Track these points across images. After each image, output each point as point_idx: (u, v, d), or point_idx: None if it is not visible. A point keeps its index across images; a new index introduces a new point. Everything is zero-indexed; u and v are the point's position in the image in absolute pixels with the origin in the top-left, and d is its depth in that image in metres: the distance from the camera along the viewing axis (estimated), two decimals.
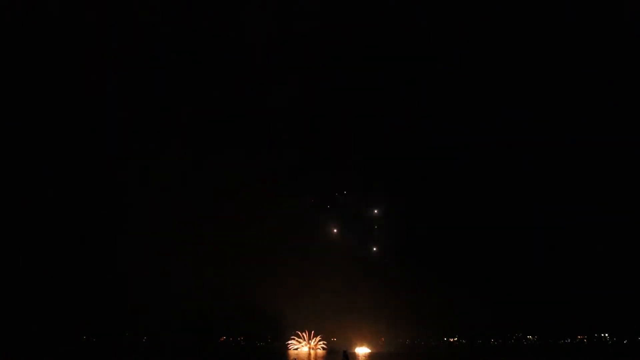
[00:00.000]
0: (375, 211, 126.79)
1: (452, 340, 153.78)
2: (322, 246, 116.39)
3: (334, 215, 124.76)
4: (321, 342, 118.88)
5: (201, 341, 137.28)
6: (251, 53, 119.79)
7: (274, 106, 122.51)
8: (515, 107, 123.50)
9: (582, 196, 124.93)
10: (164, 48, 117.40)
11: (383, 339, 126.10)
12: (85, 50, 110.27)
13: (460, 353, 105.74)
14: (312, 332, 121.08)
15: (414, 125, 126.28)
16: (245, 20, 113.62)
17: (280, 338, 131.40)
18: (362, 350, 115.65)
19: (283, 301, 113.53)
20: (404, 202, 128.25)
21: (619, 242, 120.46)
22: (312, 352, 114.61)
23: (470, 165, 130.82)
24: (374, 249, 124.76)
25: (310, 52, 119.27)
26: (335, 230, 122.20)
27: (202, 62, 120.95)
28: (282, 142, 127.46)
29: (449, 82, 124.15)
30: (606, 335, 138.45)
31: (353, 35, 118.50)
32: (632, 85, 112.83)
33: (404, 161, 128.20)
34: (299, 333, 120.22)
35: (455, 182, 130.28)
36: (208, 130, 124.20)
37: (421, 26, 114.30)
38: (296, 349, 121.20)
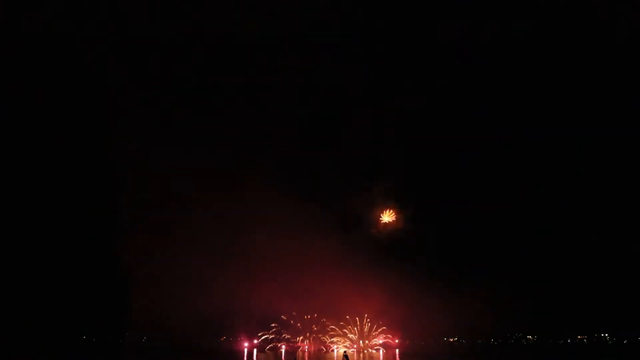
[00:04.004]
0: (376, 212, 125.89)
1: (452, 340, 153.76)
2: (322, 249, 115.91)
3: (336, 217, 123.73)
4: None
5: (201, 341, 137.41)
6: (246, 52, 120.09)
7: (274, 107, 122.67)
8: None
9: (582, 197, 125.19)
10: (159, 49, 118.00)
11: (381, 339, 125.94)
12: (83, 51, 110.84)
13: (460, 353, 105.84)
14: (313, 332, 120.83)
15: (417, 123, 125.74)
16: (239, 20, 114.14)
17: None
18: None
19: (283, 302, 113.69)
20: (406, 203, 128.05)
21: (619, 242, 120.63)
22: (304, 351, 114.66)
23: (470, 167, 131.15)
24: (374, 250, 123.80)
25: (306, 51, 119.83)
26: (335, 233, 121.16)
27: (201, 59, 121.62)
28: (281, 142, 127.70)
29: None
30: (606, 335, 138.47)
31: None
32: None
33: (408, 162, 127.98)
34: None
35: (455, 183, 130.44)
36: (205, 132, 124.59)
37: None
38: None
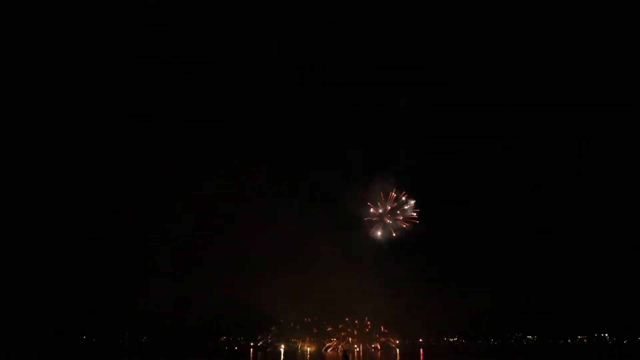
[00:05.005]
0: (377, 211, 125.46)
1: (452, 340, 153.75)
2: (322, 249, 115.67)
3: (335, 218, 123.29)
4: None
5: (201, 341, 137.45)
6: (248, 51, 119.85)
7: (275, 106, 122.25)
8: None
9: (582, 197, 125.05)
10: (158, 45, 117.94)
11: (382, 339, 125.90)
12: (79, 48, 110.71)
13: (460, 353, 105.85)
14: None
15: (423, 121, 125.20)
16: (242, 19, 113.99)
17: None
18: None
19: (283, 301, 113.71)
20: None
21: (619, 242, 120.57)
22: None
23: (470, 166, 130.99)
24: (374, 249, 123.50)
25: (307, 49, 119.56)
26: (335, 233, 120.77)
27: (199, 58, 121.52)
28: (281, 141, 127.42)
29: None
30: (606, 335, 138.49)
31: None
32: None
33: (410, 160, 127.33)
34: None
35: (455, 183, 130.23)
36: (205, 130, 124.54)
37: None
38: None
